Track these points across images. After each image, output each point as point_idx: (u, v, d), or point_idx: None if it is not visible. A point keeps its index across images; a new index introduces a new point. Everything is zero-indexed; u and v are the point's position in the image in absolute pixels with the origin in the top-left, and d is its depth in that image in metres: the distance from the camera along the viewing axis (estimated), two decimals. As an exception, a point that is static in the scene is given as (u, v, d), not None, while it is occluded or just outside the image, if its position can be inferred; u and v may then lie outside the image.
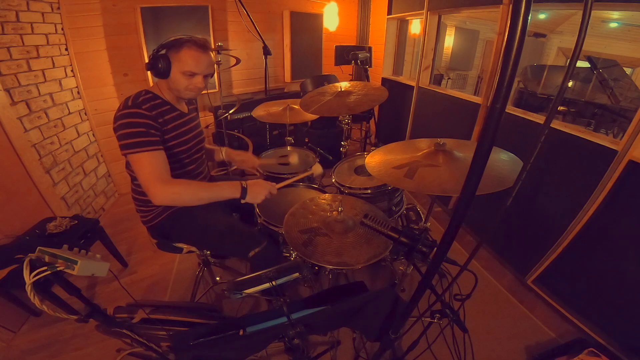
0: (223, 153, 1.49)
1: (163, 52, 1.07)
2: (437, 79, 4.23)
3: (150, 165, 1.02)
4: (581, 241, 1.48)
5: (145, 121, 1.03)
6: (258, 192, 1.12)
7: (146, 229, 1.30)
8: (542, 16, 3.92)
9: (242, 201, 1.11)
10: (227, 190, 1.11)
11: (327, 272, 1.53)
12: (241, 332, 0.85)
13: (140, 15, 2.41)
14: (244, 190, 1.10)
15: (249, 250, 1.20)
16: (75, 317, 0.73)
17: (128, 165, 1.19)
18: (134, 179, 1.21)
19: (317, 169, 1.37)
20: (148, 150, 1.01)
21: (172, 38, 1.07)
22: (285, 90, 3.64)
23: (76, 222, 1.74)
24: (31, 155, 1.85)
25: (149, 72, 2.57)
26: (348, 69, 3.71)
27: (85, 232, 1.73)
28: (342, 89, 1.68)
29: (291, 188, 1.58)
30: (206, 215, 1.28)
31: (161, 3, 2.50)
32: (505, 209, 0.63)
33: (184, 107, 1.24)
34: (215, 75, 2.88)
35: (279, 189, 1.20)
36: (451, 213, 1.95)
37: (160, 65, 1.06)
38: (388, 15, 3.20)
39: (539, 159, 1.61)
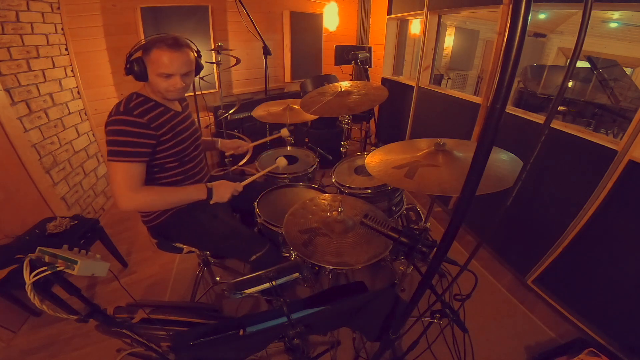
0: (219, 144, 1.55)
1: (138, 55, 1.04)
2: (437, 79, 4.23)
3: (124, 174, 1.01)
4: (581, 241, 1.48)
5: (134, 129, 1.01)
6: (223, 192, 1.18)
7: (146, 229, 1.30)
8: (542, 16, 3.92)
9: (211, 202, 1.17)
10: (193, 193, 1.15)
11: (327, 272, 1.53)
12: (241, 332, 0.85)
13: (140, 15, 2.41)
14: (209, 192, 1.16)
15: (250, 255, 1.20)
16: (75, 317, 0.73)
17: None
18: None
19: (281, 161, 1.39)
20: (127, 161, 1.01)
21: (145, 39, 1.04)
22: (285, 90, 3.64)
23: (76, 222, 1.74)
24: (31, 155, 1.85)
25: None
26: (348, 69, 3.71)
27: (85, 232, 1.73)
28: (342, 89, 1.68)
29: (291, 188, 1.58)
30: (208, 217, 1.27)
31: (161, 3, 2.50)
32: (505, 209, 0.63)
33: (177, 106, 1.22)
34: (215, 75, 2.89)
35: (244, 186, 1.25)
36: (451, 213, 1.95)
37: (136, 69, 1.03)
38: (388, 15, 3.20)
39: (539, 159, 1.61)
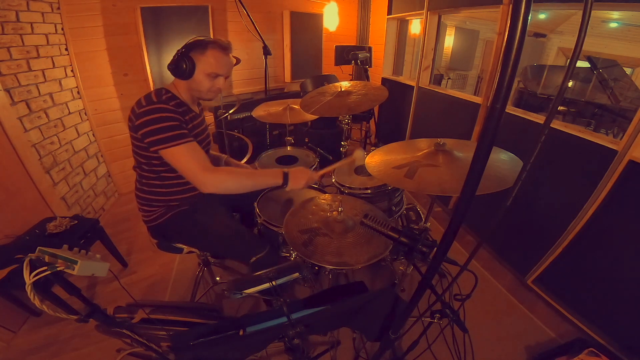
0: (223, 162, 1.49)
1: (187, 52, 1.06)
2: (437, 79, 4.23)
3: (191, 155, 1.04)
4: (581, 241, 1.48)
5: (175, 115, 1.04)
6: (299, 179, 1.15)
7: (146, 229, 1.30)
8: (542, 16, 3.92)
9: (286, 189, 1.14)
10: (269, 178, 1.14)
11: (327, 272, 1.53)
12: (241, 332, 0.85)
13: (140, 15, 2.41)
14: (285, 178, 1.13)
15: (250, 256, 1.20)
16: (75, 317, 0.73)
17: (136, 165, 1.19)
18: (140, 177, 1.20)
19: (359, 154, 1.29)
20: (184, 142, 1.03)
21: (195, 39, 1.08)
22: (285, 90, 3.64)
23: (76, 222, 1.74)
24: (31, 155, 1.85)
25: (149, 73, 2.57)
26: (348, 69, 3.71)
27: (85, 232, 1.73)
28: (342, 89, 1.68)
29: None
30: (208, 218, 1.27)
31: (161, 3, 2.50)
32: (505, 209, 0.63)
33: (196, 109, 1.25)
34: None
35: (320, 176, 1.22)
36: (451, 213, 1.95)
37: (184, 66, 1.05)
38: (388, 15, 3.20)
39: (539, 159, 1.60)
